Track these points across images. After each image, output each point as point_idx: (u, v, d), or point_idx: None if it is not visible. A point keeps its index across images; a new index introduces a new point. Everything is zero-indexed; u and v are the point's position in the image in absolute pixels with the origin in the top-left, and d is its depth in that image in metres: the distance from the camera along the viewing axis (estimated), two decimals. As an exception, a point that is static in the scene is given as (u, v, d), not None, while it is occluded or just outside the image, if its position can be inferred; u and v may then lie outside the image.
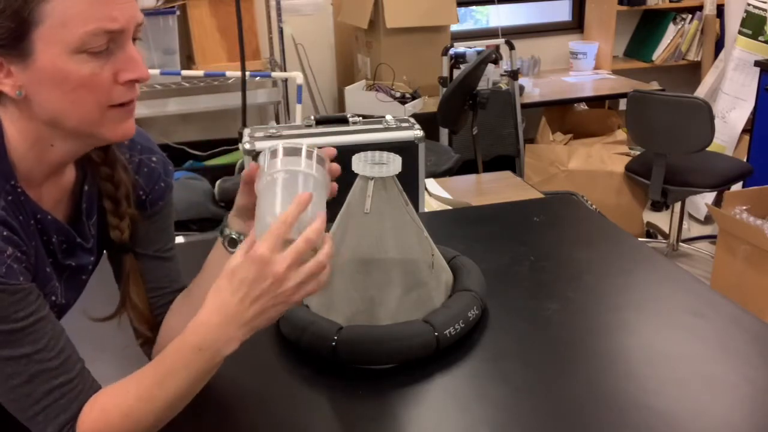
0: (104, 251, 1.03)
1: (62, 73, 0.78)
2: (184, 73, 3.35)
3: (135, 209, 0.98)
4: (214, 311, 0.81)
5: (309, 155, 0.88)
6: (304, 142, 0.89)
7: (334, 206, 1.13)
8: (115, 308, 1.02)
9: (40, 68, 0.78)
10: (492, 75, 3.66)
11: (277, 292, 0.80)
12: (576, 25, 4.53)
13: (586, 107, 4.28)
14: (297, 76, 3.04)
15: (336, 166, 0.93)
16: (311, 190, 0.85)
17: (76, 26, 0.77)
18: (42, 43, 0.77)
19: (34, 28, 0.77)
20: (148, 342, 1.03)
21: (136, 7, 0.83)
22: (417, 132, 1.68)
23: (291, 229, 0.79)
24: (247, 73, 2.95)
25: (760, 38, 3.68)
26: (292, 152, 0.88)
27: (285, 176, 0.86)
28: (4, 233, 0.79)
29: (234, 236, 0.97)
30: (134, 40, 0.84)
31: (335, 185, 0.93)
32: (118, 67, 0.81)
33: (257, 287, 0.79)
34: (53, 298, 0.91)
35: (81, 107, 0.81)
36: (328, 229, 1.12)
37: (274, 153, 0.88)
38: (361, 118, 1.73)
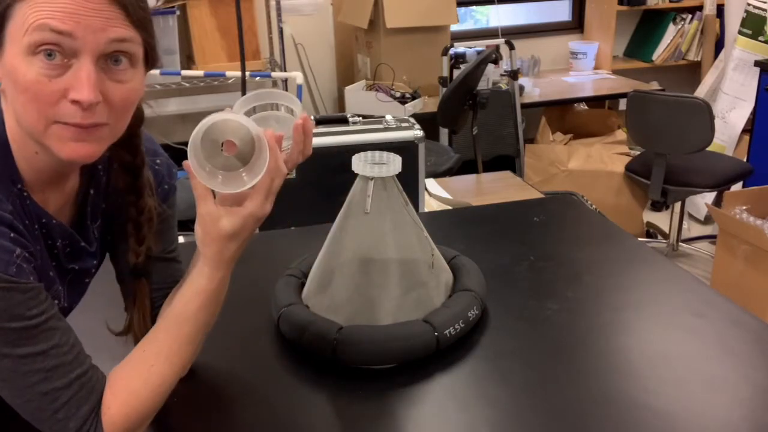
0: (107, 254, 1.03)
1: (14, 73, 0.78)
2: (184, 73, 3.35)
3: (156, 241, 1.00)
4: (208, 260, 0.89)
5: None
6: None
7: (334, 206, 1.14)
8: (117, 309, 1.03)
9: (4, 64, 0.79)
10: (492, 75, 3.66)
11: (259, 224, 0.89)
12: (576, 25, 4.53)
13: (586, 107, 4.28)
14: (297, 76, 3.04)
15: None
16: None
17: (29, 22, 0.76)
18: (8, 39, 0.78)
19: (7, 23, 0.78)
20: None
21: (108, 24, 0.77)
22: (417, 132, 1.69)
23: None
24: (247, 73, 2.95)
25: (760, 38, 3.68)
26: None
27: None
28: (11, 235, 0.79)
29: None
30: (117, 61, 0.80)
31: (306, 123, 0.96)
32: (69, 83, 0.78)
33: (251, 232, 0.89)
34: (56, 301, 0.91)
35: (27, 112, 0.79)
36: (328, 230, 1.13)
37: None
38: (361, 118, 1.74)
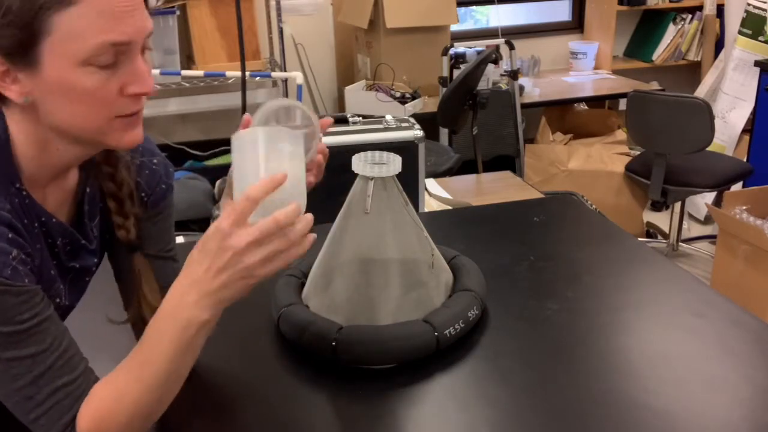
0: (105, 252, 1.03)
1: (68, 84, 0.78)
2: (184, 73, 3.35)
3: (138, 208, 0.98)
4: (184, 277, 0.81)
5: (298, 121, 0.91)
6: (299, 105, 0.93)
7: (334, 206, 1.13)
8: (117, 308, 1.02)
9: (47, 78, 0.78)
10: (492, 75, 3.66)
11: (237, 267, 0.78)
12: (576, 25, 4.53)
13: (586, 107, 4.28)
14: (297, 76, 3.04)
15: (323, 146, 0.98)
16: (295, 163, 0.83)
17: (84, 39, 0.77)
18: (50, 53, 0.77)
19: (42, 38, 0.77)
20: None
21: (145, 17, 0.82)
22: (417, 132, 1.69)
23: (256, 206, 0.78)
24: (247, 73, 2.95)
25: (760, 38, 3.68)
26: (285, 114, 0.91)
27: (267, 144, 0.82)
28: (9, 235, 0.79)
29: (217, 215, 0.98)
30: (143, 50, 0.83)
31: (320, 159, 0.99)
32: (124, 79, 0.81)
33: (219, 260, 0.78)
34: (57, 300, 0.91)
35: (85, 118, 0.81)
36: (328, 230, 1.13)
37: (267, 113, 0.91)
38: (361, 118, 1.74)
